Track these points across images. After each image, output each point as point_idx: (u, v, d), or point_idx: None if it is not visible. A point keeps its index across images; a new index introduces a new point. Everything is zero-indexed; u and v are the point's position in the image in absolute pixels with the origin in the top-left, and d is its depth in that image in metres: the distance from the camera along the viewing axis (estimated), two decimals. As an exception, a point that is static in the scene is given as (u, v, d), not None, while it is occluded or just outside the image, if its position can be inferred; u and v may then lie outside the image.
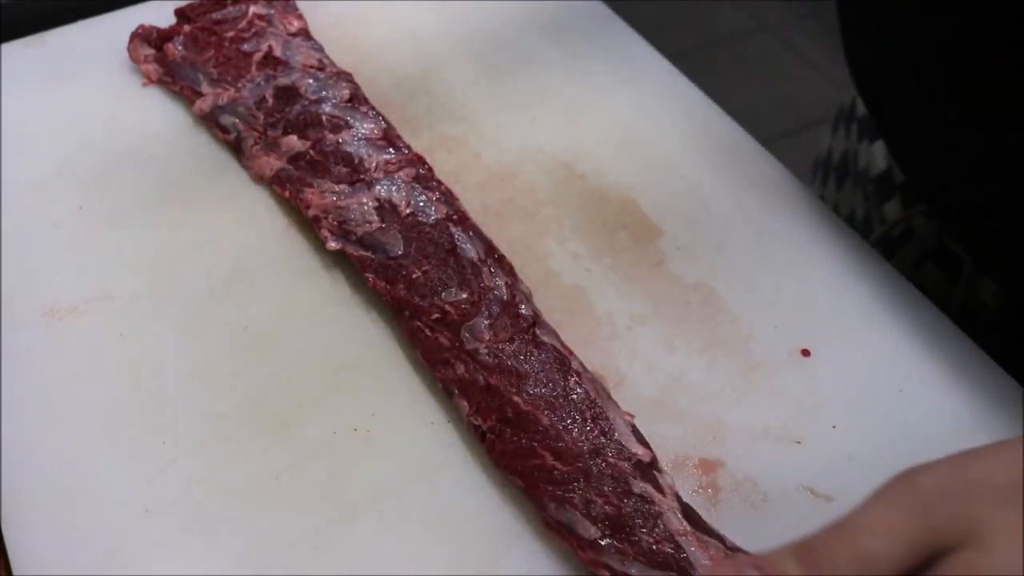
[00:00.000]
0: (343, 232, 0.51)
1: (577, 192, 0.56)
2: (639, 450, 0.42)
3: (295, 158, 0.54)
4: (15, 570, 0.41)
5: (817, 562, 0.30)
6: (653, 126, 0.60)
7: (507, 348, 0.45)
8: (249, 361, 0.48)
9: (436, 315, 0.47)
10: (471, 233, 0.50)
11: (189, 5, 0.63)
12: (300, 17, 0.63)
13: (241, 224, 0.54)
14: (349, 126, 0.55)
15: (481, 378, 0.44)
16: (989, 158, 0.47)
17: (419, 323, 0.47)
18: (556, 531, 0.40)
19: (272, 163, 0.55)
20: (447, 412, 0.46)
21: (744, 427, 0.45)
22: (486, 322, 0.46)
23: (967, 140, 0.48)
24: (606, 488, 0.41)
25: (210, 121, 0.58)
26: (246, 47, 0.60)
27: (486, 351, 0.45)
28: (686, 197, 0.55)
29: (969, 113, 0.47)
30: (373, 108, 0.57)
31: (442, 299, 0.47)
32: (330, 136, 0.55)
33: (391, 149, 0.54)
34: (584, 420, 0.43)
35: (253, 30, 0.61)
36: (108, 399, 0.46)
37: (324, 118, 0.56)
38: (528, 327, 0.46)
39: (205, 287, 0.51)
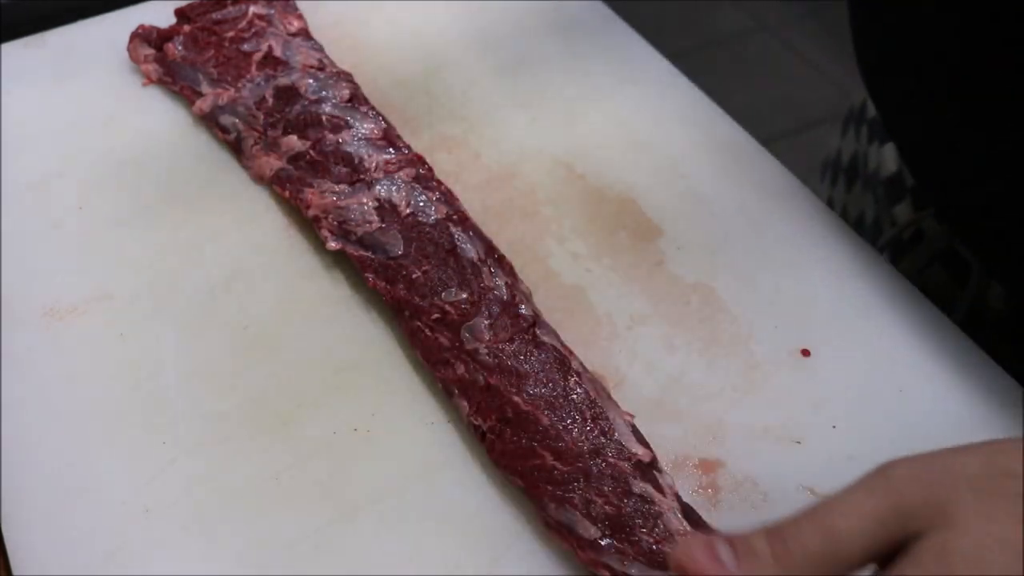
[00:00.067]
0: (343, 232, 0.51)
1: (577, 192, 0.56)
2: (639, 450, 0.42)
3: (295, 158, 0.54)
4: (15, 570, 0.41)
5: (785, 538, 0.30)
6: (653, 126, 0.60)
7: (507, 348, 0.45)
8: (249, 361, 0.48)
9: (436, 315, 0.47)
10: (471, 233, 0.50)
11: (189, 5, 0.63)
12: (300, 17, 0.63)
13: (241, 224, 0.54)
14: (349, 126, 0.55)
15: (481, 378, 0.44)
16: (989, 158, 0.47)
17: (419, 323, 0.47)
18: (556, 531, 0.40)
19: (272, 163, 0.55)
20: (447, 412, 0.46)
21: (744, 427, 0.45)
22: (486, 322, 0.46)
23: (967, 140, 0.48)
24: (606, 488, 0.41)
25: (210, 121, 0.58)
26: (246, 47, 0.60)
27: (486, 351, 0.45)
28: (686, 197, 0.55)
29: (969, 113, 0.47)
30: (373, 108, 0.57)
31: (442, 299, 0.47)
32: (330, 136, 0.55)
33: (391, 149, 0.54)
34: (584, 420, 0.43)
35: (253, 30, 0.61)
36: (108, 399, 0.46)
37: (324, 118, 0.56)
38: (528, 327, 0.46)
39: (205, 287, 0.51)
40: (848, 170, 0.67)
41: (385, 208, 0.51)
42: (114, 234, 0.53)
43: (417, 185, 0.52)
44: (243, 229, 0.54)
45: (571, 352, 0.46)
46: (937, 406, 0.46)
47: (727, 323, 0.49)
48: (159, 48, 0.62)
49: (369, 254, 0.50)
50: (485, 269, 0.49)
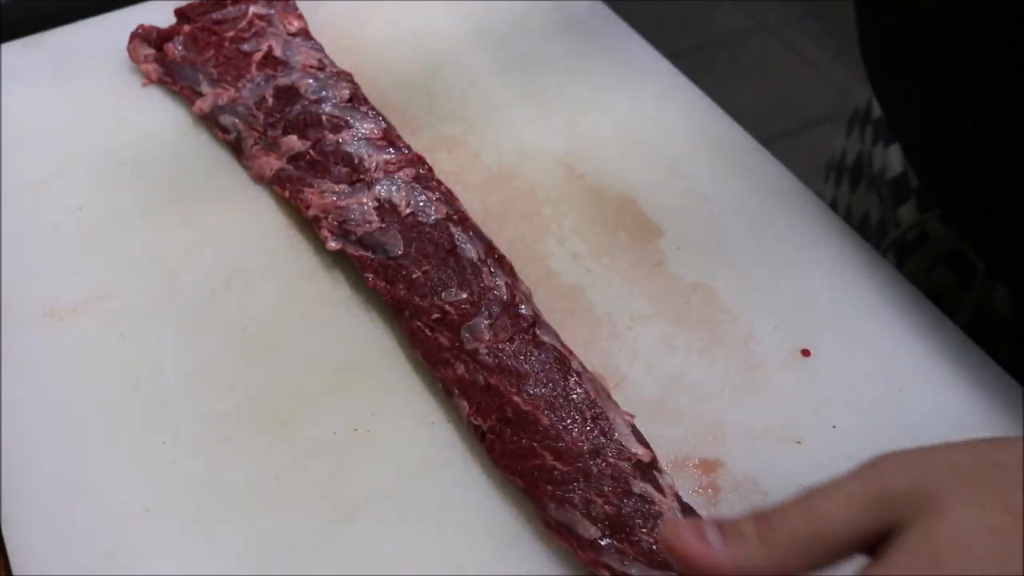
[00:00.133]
0: (343, 232, 0.51)
1: (577, 192, 0.56)
2: (639, 450, 0.42)
3: (295, 158, 0.54)
4: (15, 570, 0.41)
5: (772, 522, 0.31)
6: (653, 126, 0.60)
7: (507, 348, 0.45)
8: (249, 361, 0.48)
9: (436, 315, 0.47)
10: (471, 233, 0.50)
11: (189, 5, 0.63)
12: (300, 17, 0.63)
13: (241, 224, 0.54)
14: (349, 126, 0.55)
15: (481, 378, 0.44)
16: (989, 158, 0.47)
17: (419, 323, 0.47)
18: (556, 531, 0.40)
19: (272, 163, 0.55)
20: (447, 412, 0.46)
21: (744, 427, 0.45)
22: (486, 322, 0.46)
23: (967, 140, 0.48)
24: (606, 488, 0.41)
25: (210, 121, 0.58)
26: (246, 47, 0.60)
27: (486, 351, 0.45)
28: (686, 197, 0.55)
29: (969, 113, 0.47)
30: (373, 108, 0.57)
31: (442, 299, 0.47)
32: (330, 136, 0.55)
33: (391, 149, 0.54)
34: (584, 420, 0.43)
35: (253, 30, 0.61)
36: (108, 399, 0.46)
37: (324, 118, 0.56)
38: (528, 327, 0.46)
39: (205, 287, 0.51)
40: (852, 171, 0.67)
41: (385, 208, 0.51)
42: (114, 234, 0.53)
43: (417, 185, 0.52)
44: (243, 229, 0.54)
45: (571, 352, 0.46)
46: (937, 406, 0.46)
47: (727, 323, 0.49)
48: (159, 48, 0.62)
49: (369, 254, 0.50)
50: (485, 269, 0.49)
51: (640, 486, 0.41)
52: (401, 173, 0.53)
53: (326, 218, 0.51)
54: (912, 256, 0.59)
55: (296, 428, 0.45)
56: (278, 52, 0.60)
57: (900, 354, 0.48)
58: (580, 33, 0.66)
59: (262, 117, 0.57)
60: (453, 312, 0.47)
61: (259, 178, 0.55)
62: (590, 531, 0.39)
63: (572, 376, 0.45)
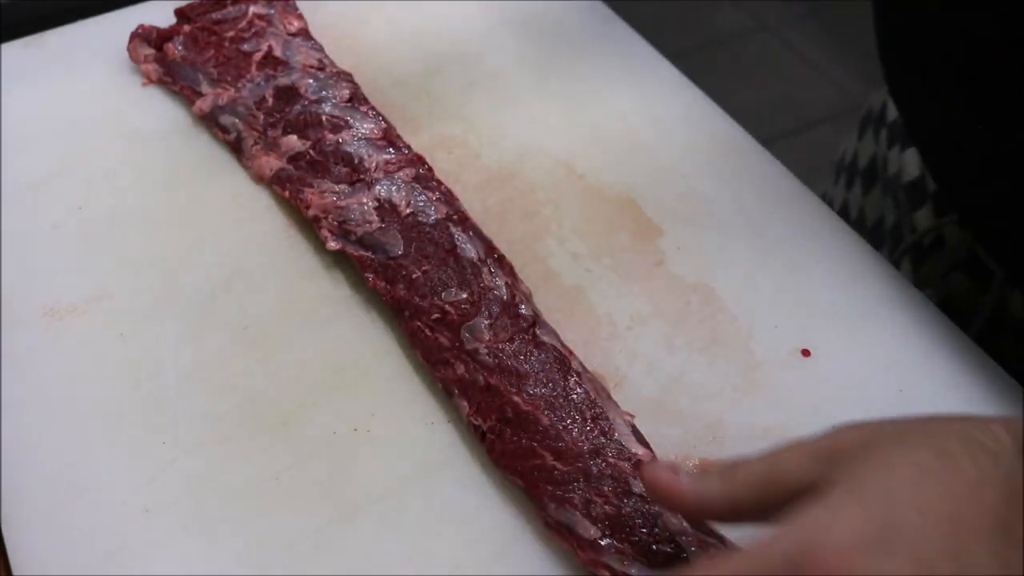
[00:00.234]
0: (343, 232, 0.51)
1: (577, 192, 0.56)
2: (639, 450, 0.42)
3: (295, 158, 0.54)
4: (15, 570, 0.41)
5: (735, 466, 0.35)
6: (653, 126, 0.60)
7: (507, 348, 0.45)
8: (249, 361, 0.48)
9: (436, 315, 0.47)
10: (471, 233, 0.50)
11: (189, 5, 0.63)
12: (300, 17, 0.63)
13: (241, 224, 0.54)
14: (349, 126, 0.55)
15: (481, 378, 0.44)
16: (996, 158, 0.47)
17: (419, 323, 0.47)
18: (556, 531, 0.40)
19: (272, 163, 0.55)
20: (447, 412, 0.46)
21: (744, 427, 0.45)
22: (486, 322, 0.46)
23: (975, 140, 0.48)
24: (606, 488, 0.41)
25: (210, 121, 0.58)
26: (246, 47, 0.60)
27: (486, 351, 0.45)
28: (686, 197, 0.55)
29: (974, 113, 0.47)
30: (373, 108, 0.57)
31: (442, 299, 0.47)
32: (330, 136, 0.55)
33: (391, 149, 0.54)
34: (584, 420, 0.43)
35: (253, 30, 0.61)
36: (108, 399, 0.46)
37: (324, 118, 0.56)
38: (528, 327, 0.46)
39: (205, 287, 0.51)
40: (866, 173, 0.67)
41: (385, 208, 0.51)
42: (114, 234, 0.53)
43: (417, 185, 0.52)
44: (243, 229, 0.54)
45: (571, 352, 0.46)
46: (937, 406, 0.46)
47: (727, 323, 0.49)
48: (159, 48, 0.62)
49: (369, 254, 0.50)
50: (485, 269, 0.49)
51: (640, 486, 0.41)
52: (401, 173, 0.53)
53: (326, 218, 0.51)
54: (928, 260, 0.59)
55: (296, 428, 0.45)
56: (278, 52, 0.60)
57: (900, 354, 0.48)
58: (580, 33, 0.66)
59: (262, 117, 0.57)
60: (453, 312, 0.47)
61: (259, 178, 0.55)
62: (590, 531, 0.39)
63: (572, 376, 0.45)
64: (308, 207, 0.52)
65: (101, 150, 0.58)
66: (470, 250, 0.49)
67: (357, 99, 0.57)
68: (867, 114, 0.68)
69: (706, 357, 0.48)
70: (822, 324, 0.49)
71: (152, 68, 0.61)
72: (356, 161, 0.53)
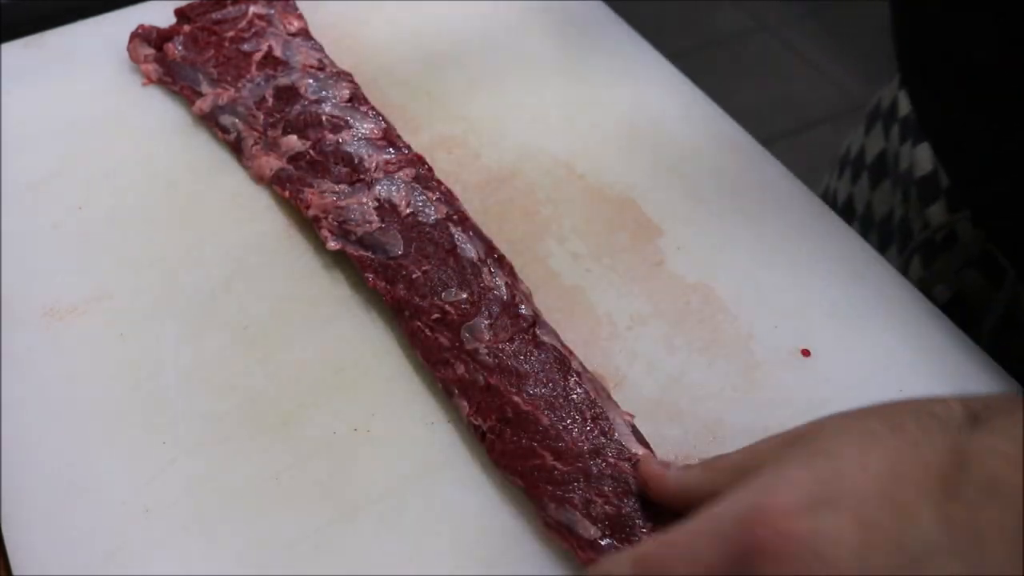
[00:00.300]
0: (343, 232, 0.51)
1: (577, 192, 0.56)
2: (639, 450, 0.42)
3: (295, 158, 0.54)
4: (15, 570, 0.41)
5: (720, 457, 0.38)
6: (653, 126, 0.60)
7: (507, 348, 0.45)
8: (249, 361, 0.48)
9: (436, 315, 0.47)
10: (471, 233, 0.50)
11: (189, 5, 0.63)
12: (300, 17, 0.63)
13: (241, 224, 0.54)
14: (349, 126, 0.55)
15: (481, 378, 0.44)
16: (996, 158, 0.47)
17: (419, 323, 0.47)
18: (556, 531, 0.40)
19: (272, 163, 0.55)
20: (447, 412, 0.46)
21: (744, 427, 0.45)
22: (486, 322, 0.46)
23: (974, 139, 0.48)
24: (606, 488, 0.41)
25: (210, 121, 0.58)
26: (246, 47, 0.60)
27: (486, 351, 0.45)
28: (686, 197, 0.55)
29: (987, 112, 0.47)
30: (373, 108, 0.57)
31: (442, 299, 0.47)
32: (330, 136, 0.55)
33: (391, 149, 0.54)
34: (584, 420, 0.43)
35: (253, 30, 0.61)
36: (108, 399, 0.46)
37: (324, 118, 0.56)
38: (528, 327, 0.46)
39: (205, 287, 0.51)
40: (873, 167, 0.67)
41: (385, 208, 0.51)
42: (114, 234, 0.53)
43: (417, 185, 0.52)
44: (243, 229, 0.54)
45: (571, 352, 0.46)
46: (937, 406, 0.46)
47: (727, 323, 0.49)
48: (159, 48, 0.62)
49: (369, 254, 0.50)
50: (485, 269, 0.49)
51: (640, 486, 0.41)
52: (401, 173, 0.53)
53: (326, 218, 0.51)
54: (941, 256, 0.59)
55: (296, 428, 0.45)
56: (278, 52, 0.60)
57: (900, 354, 0.48)
58: (580, 33, 0.66)
59: (262, 117, 0.57)
60: (453, 312, 0.47)
61: (259, 178, 0.55)
62: (590, 531, 0.39)
63: (572, 376, 0.45)
64: (308, 207, 0.52)
65: (101, 150, 0.58)
66: (470, 250, 0.49)
67: (357, 99, 0.57)
68: (875, 108, 0.68)
69: (706, 357, 0.48)
70: (822, 324, 0.49)
71: (152, 68, 0.61)
72: (356, 161, 0.53)
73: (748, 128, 0.60)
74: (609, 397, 0.45)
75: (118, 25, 0.63)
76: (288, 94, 0.57)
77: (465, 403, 0.44)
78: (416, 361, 0.47)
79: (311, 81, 0.58)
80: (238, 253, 0.52)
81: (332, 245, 0.50)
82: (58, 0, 0.66)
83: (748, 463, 0.35)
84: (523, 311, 0.47)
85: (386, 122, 0.56)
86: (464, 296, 0.47)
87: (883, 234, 0.64)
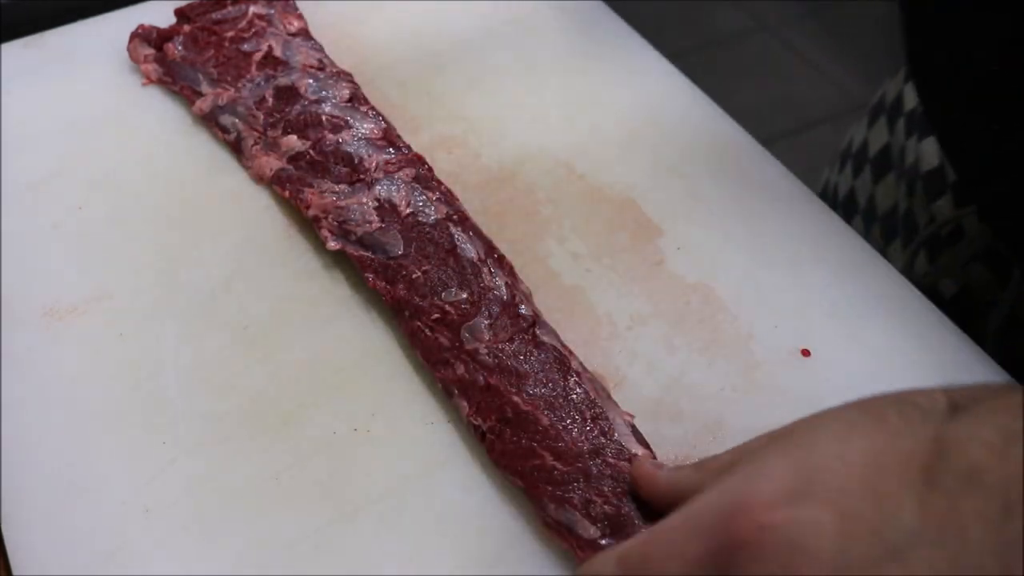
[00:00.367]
0: (343, 232, 0.51)
1: (577, 192, 0.56)
2: (639, 450, 0.42)
3: (295, 158, 0.54)
4: (15, 570, 0.41)
5: (710, 458, 0.38)
6: (653, 126, 0.60)
7: (507, 348, 0.45)
8: (249, 361, 0.48)
9: (436, 315, 0.47)
10: (471, 233, 0.50)
11: (189, 5, 0.63)
12: (300, 17, 0.63)
13: (241, 224, 0.54)
14: (349, 126, 0.55)
15: (481, 378, 0.44)
16: (996, 158, 0.47)
17: (419, 323, 0.47)
18: (556, 531, 0.40)
19: (272, 163, 0.55)
20: (447, 412, 0.46)
21: (744, 427, 0.45)
22: (486, 322, 0.46)
23: (975, 139, 0.48)
24: (606, 488, 0.41)
25: (210, 121, 0.58)
26: (246, 47, 0.60)
27: (486, 351, 0.45)
28: (686, 197, 0.55)
29: (976, 112, 0.47)
30: (373, 108, 0.57)
31: (442, 299, 0.47)
32: (330, 136, 0.55)
33: (391, 149, 0.54)
34: (584, 420, 0.43)
35: (253, 30, 0.61)
36: (108, 399, 0.46)
37: (324, 118, 0.56)
38: (528, 327, 0.46)
39: (205, 287, 0.51)
40: (877, 161, 0.67)
41: (385, 208, 0.51)
42: (114, 234, 0.53)
43: (417, 185, 0.52)
44: (243, 229, 0.54)
45: (571, 352, 0.46)
46: (937, 406, 0.46)
47: (727, 323, 0.49)
48: (159, 48, 0.62)
49: (369, 254, 0.50)
50: (485, 269, 0.49)
51: (640, 486, 0.41)
52: (401, 173, 0.53)
53: (326, 218, 0.51)
54: (947, 250, 0.59)
55: (296, 428, 0.45)
56: (278, 52, 0.60)
57: (900, 354, 0.48)
58: (580, 33, 0.66)
59: (262, 117, 0.57)
60: (453, 312, 0.47)
61: (259, 178, 0.55)
62: (590, 531, 0.39)
63: (572, 376, 0.45)
64: (308, 207, 0.52)
65: (101, 150, 0.58)
66: (470, 250, 0.49)
67: (357, 99, 0.57)
68: (879, 102, 0.68)
69: (706, 357, 0.48)
70: (822, 324, 0.49)
71: (152, 68, 0.61)
72: (356, 161, 0.53)
73: (748, 128, 0.60)
74: (609, 397, 0.45)
75: (118, 25, 0.63)
76: (288, 94, 0.57)
77: (465, 403, 0.44)
78: (416, 361, 0.47)
79: (311, 81, 0.58)
80: (238, 253, 0.52)
81: (332, 245, 0.50)
82: (58, 0, 0.66)
83: (736, 462, 0.35)
84: (523, 311, 0.47)
85: (386, 122, 0.56)
86: (464, 296, 0.47)
87: (887, 228, 0.64)
